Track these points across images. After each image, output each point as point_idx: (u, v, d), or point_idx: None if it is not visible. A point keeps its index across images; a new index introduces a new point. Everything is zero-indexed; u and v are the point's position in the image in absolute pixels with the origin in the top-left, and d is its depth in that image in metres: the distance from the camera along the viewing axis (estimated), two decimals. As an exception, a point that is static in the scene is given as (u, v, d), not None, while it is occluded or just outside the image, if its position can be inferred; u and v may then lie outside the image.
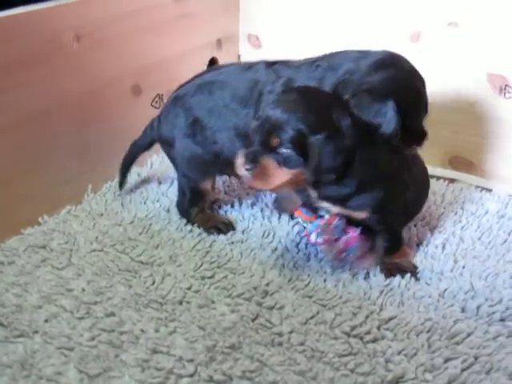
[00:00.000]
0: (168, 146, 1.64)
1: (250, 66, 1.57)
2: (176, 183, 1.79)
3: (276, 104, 1.29)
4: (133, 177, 1.83)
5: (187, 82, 1.65)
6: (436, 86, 1.88)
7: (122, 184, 1.76)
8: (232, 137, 1.54)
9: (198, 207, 1.65)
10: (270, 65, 1.55)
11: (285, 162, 1.26)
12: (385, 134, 1.34)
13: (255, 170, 1.27)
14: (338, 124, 1.27)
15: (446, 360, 1.20)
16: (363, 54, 1.44)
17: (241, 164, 1.29)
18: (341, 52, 1.49)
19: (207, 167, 1.61)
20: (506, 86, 1.81)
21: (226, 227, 1.61)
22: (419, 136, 1.40)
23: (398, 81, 1.37)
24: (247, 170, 1.28)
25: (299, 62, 1.54)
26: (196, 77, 1.65)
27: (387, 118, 1.33)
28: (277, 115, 1.27)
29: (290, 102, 1.29)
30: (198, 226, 1.62)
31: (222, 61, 2.15)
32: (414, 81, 1.41)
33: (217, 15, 2.12)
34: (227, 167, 1.55)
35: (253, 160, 1.27)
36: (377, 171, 1.35)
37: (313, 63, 1.49)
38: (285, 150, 1.26)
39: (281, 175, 1.28)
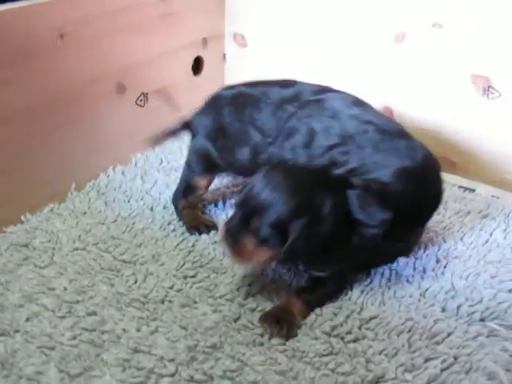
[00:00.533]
0: (193, 133, 1.66)
1: (287, 86, 1.56)
2: (160, 182, 1.79)
3: (262, 183, 1.30)
4: (117, 175, 1.83)
5: (227, 88, 1.67)
6: (420, 87, 1.90)
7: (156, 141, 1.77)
8: (249, 155, 1.55)
9: (187, 201, 1.66)
10: (313, 93, 1.52)
11: (264, 242, 1.28)
12: (365, 236, 1.32)
13: (235, 247, 1.30)
14: (318, 209, 1.28)
15: (426, 360, 1.21)
16: (407, 152, 1.37)
17: (222, 237, 1.31)
18: (394, 131, 1.42)
19: (211, 165, 1.63)
20: (489, 86, 1.82)
21: (208, 229, 1.60)
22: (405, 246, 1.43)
23: (414, 198, 1.34)
24: (227, 245, 1.30)
25: (347, 108, 1.47)
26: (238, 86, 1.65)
27: (376, 227, 1.31)
28: (260, 197, 1.28)
29: (276, 183, 1.29)
30: (182, 224, 1.63)
31: (207, 60, 2.15)
32: (430, 205, 1.40)
33: (202, 14, 2.11)
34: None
35: (233, 236, 1.30)
36: (346, 260, 1.37)
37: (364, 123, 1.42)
38: (265, 231, 1.27)
39: (259, 253, 1.30)
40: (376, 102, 1.91)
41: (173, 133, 1.73)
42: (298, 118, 1.48)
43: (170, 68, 2.01)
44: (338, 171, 1.36)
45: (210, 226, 1.62)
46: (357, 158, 1.37)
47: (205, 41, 2.14)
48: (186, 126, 1.69)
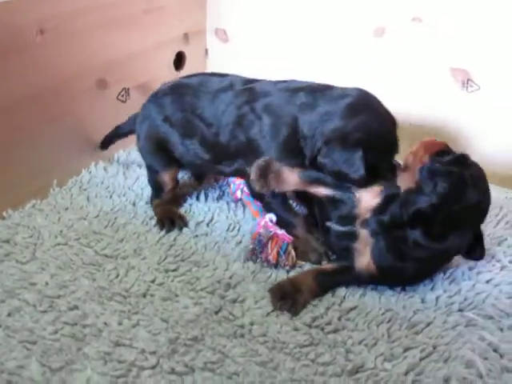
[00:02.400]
0: (137, 137, 1.69)
1: (223, 79, 1.60)
2: (142, 178, 1.80)
3: None
4: (99, 171, 1.83)
5: (168, 82, 1.69)
6: (399, 81, 1.92)
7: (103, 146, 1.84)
8: (195, 145, 1.58)
9: (160, 199, 1.67)
10: (247, 83, 1.56)
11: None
12: (351, 180, 1.38)
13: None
14: None
15: (406, 349, 1.23)
16: (340, 95, 1.43)
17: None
18: (322, 87, 1.47)
19: (170, 160, 1.65)
20: (468, 80, 1.84)
21: (183, 221, 1.61)
22: (390, 171, 1.43)
23: (370, 128, 1.38)
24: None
25: (276, 84, 1.53)
26: (176, 80, 1.69)
27: (354, 167, 1.36)
28: None
29: None
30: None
31: (189, 55, 2.15)
32: (386, 126, 1.41)
33: (184, 9, 2.12)
34: (190, 169, 1.71)
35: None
36: None
37: (293, 91, 1.48)
38: None
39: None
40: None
41: (122, 133, 1.81)
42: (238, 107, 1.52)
43: (152, 63, 2.01)
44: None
45: (183, 218, 1.62)
46: (306, 124, 1.43)
47: (186, 36, 2.15)
48: (127, 133, 1.80)
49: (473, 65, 1.83)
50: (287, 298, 1.32)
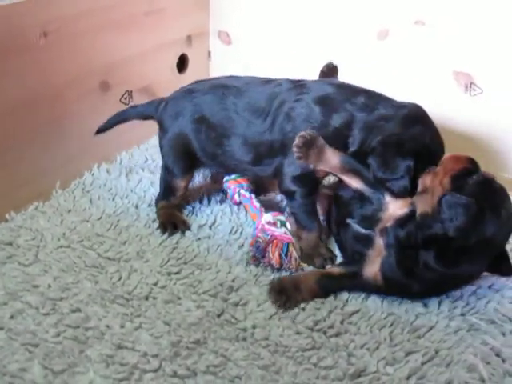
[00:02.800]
0: (163, 131, 1.65)
1: (270, 80, 1.60)
2: (145, 180, 1.80)
3: None
4: (101, 173, 1.83)
5: (204, 80, 1.68)
6: (402, 84, 1.92)
7: (99, 131, 1.76)
8: (238, 144, 1.56)
9: (167, 201, 1.66)
10: (298, 81, 1.56)
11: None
12: (390, 187, 1.39)
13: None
14: None
15: (408, 353, 1.23)
16: (398, 104, 1.46)
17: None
18: (379, 95, 1.49)
19: (191, 166, 1.64)
20: (471, 83, 1.84)
21: (185, 225, 1.61)
22: None
23: (424, 141, 1.40)
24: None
25: (334, 83, 1.54)
26: (214, 78, 1.69)
27: (399, 175, 1.38)
28: None
29: None
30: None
31: (192, 58, 2.16)
32: (437, 142, 1.43)
33: (187, 11, 2.12)
34: (222, 170, 1.68)
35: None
36: None
37: (354, 91, 1.49)
38: None
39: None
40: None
41: (119, 119, 1.76)
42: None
43: (155, 66, 2.01)
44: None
45: (176, 224, 1.61)
46: (362, 122, 1.45)
47: (189, 38, 2.15)
48: (149, 118, 1.72)
49: (476, 68, 1.82)
50: (284, 293, 1.33)
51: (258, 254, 1.47)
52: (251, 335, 1.26)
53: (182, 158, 1.63)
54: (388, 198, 1.40)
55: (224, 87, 1.60)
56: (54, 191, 1.73)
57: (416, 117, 1.43)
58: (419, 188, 1.36)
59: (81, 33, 1.73)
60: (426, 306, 1.36)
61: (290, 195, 1.54)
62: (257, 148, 1.54)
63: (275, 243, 1.47)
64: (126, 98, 1.92)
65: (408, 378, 1.17)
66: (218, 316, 1.31)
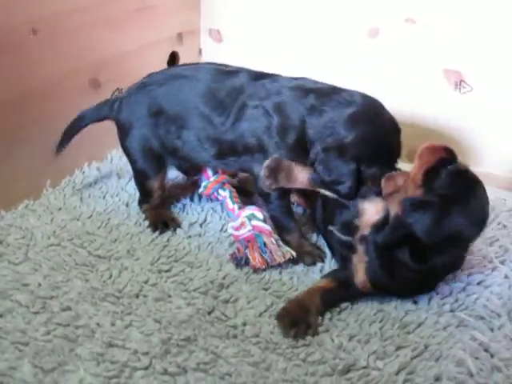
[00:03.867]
0: (123, 132, 1.63)
1: (229, 71, 1.56)
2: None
3: None
4: (92, 171, 1.83)
5: (158, 72, 1.65)
6: (393, 81, 1.93)
7: (60, 147, 1.70)
8: (197, 138, 1.55)
9: (149, 204, 1.65)
10: (257, 77, 1.54)
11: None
12: (338, 191, 1.40)
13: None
14: None
15: (398, 348, 1.24)
16: (346, 101, 1.43)
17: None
18: (332, 91, 1.46)
19: (160, 164, 1.62)
20: (461, 81, 1.85)
21: (175, 223, 1.61)
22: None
23: (369, 141, 1.39)
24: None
25: (289, 82, 1.52)
26: (169, 68, 1.65)
27: (344, 179, 1.38)
28: None
29: None
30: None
31: (182, 55, 2.15)
32: (386, 138, 1.41)
33: (178, 9, 2.12)
34: (185, 164, 1.62)
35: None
36: None
37: (305, 91, 1.48)
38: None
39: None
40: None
41: (75, 130, 1.71)
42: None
43: (146, 63, 2.00)
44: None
45: (176, 219, 1.62)
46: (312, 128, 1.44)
47: (180, 36, 2.14)
48: (105, 119, 1.67)
49: (466, 66, 1.83)
50: (299, 322, 1.28)
51: (243, 263, 1.46)
52: (241, 332, 1.26)
53: (149, 157, 1.61)
54: (363, 204, 1.39)
55: (181, 77, 1.58)
56: (45, 189, 1.73)
57: (363, 115, 1.41)
58: (385, 190, 1.35)
59: (71, 30, 1.72)
60: (415, 302, 1.37)
61: (265, 198, 1.53)
62: (219, 144, 1.53)
63: (251, 246, 1.46)
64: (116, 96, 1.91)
65: (398, 372, 1.17)
66: (209, 313, 1.31)
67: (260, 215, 1.50)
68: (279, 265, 1.46)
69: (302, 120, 1.44)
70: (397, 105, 1.90)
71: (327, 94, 1.45)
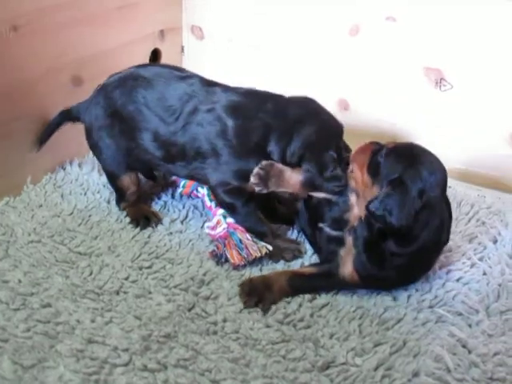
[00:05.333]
0: (87, 133, 1.64)
1: (183, 77, 1.56)
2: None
3: None
4: (73, 168, 1.82)
5: (117, 73, 1.65)
6: (374, 79, 1.94)
7: (39, 144, 1.71)
8: (148, 140, 1.54)
9: (126, 201, 1.65)
10: (210, 84, 1.55)
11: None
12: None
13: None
14: None
15: (376, 345, 1.25)
16: (284, 108, 1.47)
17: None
18: (276, 99, 1.50)
19: (122, 162, 1.61)
20: (441, 79, 1.86)
21: (157, 217, 1.62)
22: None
23: (309, 146, 1.43)
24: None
25: (240, 89, 1.54)
26: (126, 69, 1.64)
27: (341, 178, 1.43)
28: None
29: None
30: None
31: (164, 52, 2.15)
32: (327, 142, 1.45)
33: (160, 6, 2.11)
34: (141, 166, 1.63)
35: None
36: None
37: (259, 96, 1.51)
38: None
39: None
40: (331, 94, 1.95)
41: (54, 127, 1.71)
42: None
43: (128, 60, 1.98)
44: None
45: (157, 214, 1.63)
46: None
47: (162, 33, 2.14)
48: (69, 118, 1.69)
49: (446, 64, 1.84)
50: (254, 294, 1.33)
51: (223, 260, 1.47)
52: (222, 329, 1.27)
53: (113, 156, 1.61)
54: (353, 199, 1.41)
55: (133, 79, 1.58)
56: (25, 186, 1.72)
57: (301, 119, 1.45)
58: (358, 163, 1.40)
59: (52, 27, 1.71)
60: (395, 299, 1.39)
61: (230, 209, 1.52)
62: (168, 147, 1.52)
63: (228, 244, 1.47)
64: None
65: (376, 368, 1.19)
66: (189, 310, 1.32)
67: None
68: (260, 262, 1.46)
69: (265, 124, 1.45)
70: (377, 102, 1.93)
71: (281, 100, 1.49)
